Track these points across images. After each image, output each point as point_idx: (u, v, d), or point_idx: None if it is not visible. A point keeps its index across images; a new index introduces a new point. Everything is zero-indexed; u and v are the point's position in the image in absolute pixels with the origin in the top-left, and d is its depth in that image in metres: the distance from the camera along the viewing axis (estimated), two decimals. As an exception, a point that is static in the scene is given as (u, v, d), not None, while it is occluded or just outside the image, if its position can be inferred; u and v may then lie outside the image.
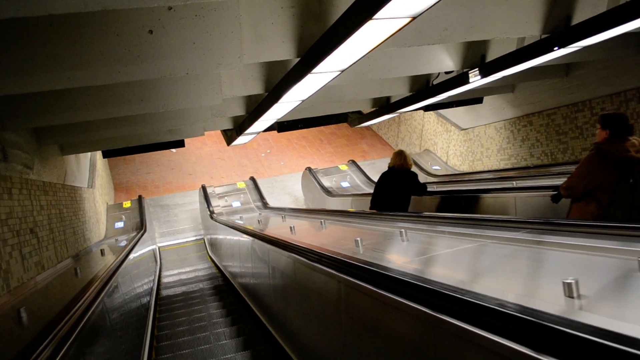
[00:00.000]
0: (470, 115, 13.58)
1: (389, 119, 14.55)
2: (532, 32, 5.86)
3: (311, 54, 4.50)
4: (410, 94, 9.25)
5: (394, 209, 6.70)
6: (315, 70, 4.61)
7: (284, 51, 4.82)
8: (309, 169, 14.44)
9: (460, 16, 5.42)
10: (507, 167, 11.88)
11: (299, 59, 4.92)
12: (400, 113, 10.80)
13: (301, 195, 15.57)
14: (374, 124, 14.37)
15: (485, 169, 12.92)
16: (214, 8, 4.22)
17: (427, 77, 8.91)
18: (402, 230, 4.02)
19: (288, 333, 4.69)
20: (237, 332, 5.83)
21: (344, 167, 14.77)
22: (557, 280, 1.87)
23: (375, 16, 3.23)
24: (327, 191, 13.00)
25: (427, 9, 3.32)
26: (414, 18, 3.43)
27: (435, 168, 14.79)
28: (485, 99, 11.96)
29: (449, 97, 9.36)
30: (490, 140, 12.92)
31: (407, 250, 3.60)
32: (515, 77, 8.60)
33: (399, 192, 6.91)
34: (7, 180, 5.02)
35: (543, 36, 6.08)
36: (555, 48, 5.79)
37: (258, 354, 5.00)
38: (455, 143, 14.77)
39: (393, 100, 10.16)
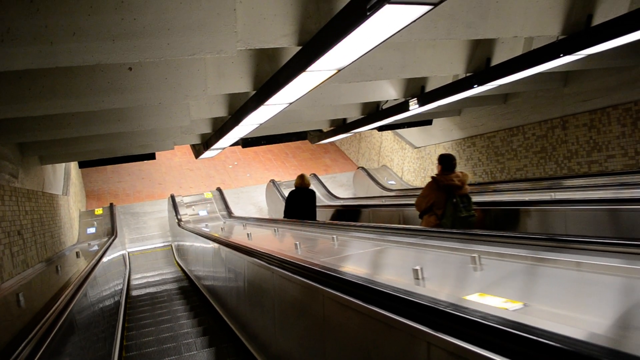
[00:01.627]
0: (423, 135, 14.68)
1: (350, 135, 15.57)
2: (457, 71, 6.89)
3: (263, 89, 5.44)
4: (363, 116, 10.25)
5: (302, 218, 8.76)
6: (267, 102, 5.54)
7: (243, 85, 5.75)
8: (273, 181, 15.34)
9: (394, 58, 6.42)
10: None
11: (255, 91, 5.85)
12: (355, 132, 11.78)
13: (265, 205, 16.43)
14: (336, 140, 15.38)
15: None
16: (184, 51, 5.12)
17: (377, 103, 9.90)
18: (335, 236, 5.00)
19: (237, 318, 5.60)
20: (198, 323, 6.70)
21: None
22: (411, 268, 2.80)
23: (308, 69, 4.19)
24: (289, 202, 13.89)
25: (351, 64, 4.29)
26: (339, 70, 4.40)
27: (391, 183, 15.83)
28: (436, 120, 13.06)
29: (400, 119, 10.35)
30: (439, 158, 14.04)
31: (331, 251, 4.53)
32: (460, 102, 9.66)
33: (303, 205, 9.19)
34: (0, 188, 5.82)
35: (468, 74, 7.13)
36: (475, 85, 6.84)
37: (211, 333, 5.95)
38: (409, 160, 15.86)
39: (349, 121, 11.15)
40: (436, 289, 2.64)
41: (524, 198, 7.25)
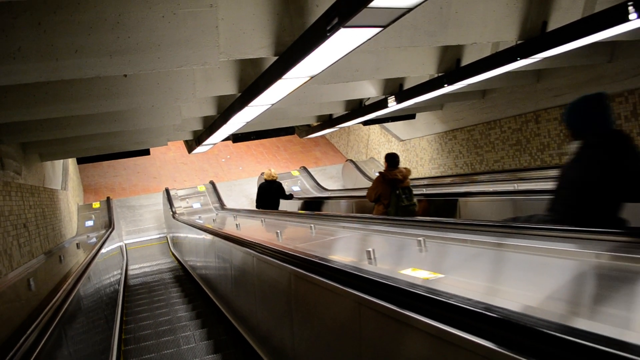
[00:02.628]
0: (408, 128, 15.23)
1: (339, 129, 16.11)
2: (429, 72, 7.42)
3: (247, 93, 5.97)
4: (347, 112, 10.79)
5: (271, 208, 10.55)
6: (251, 104, 6.06)
7: (228, 88, 6.28)
8: (263, 174, 15.87)
9: (368, 60, 6.93)
10: (436, 175, 13.59)
11: (240, 94, 6.37)
12: (340, 127, 12.32)
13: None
14: (326, 133, 15.91)
15: (420, 176, 14.59)
16: (174, 59, 5.63)
17: (360, 100, 10.42)
18: (312, 225, 5.54)
19: (225, 300, 6.17)
20: (192, 307, 7.27)
21: (295, 173, 16.24)
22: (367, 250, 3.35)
23: (284, 77, 4.72)
24: (279, 194, 14.45)
25: (321, 72, 4.82)
26: (312, 77, 4.93)
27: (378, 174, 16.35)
28: (420, 114, 13.60)
29: (384, 114, 10.85)
30: (423, 151, 14.62)
31: (307, 238, 5.07)
32: (442, 97, 10.21)
33: (273, 196, 10.99)
34: (8, 184, 6.34)
35: (439, 74, 7.66)
36: (445, 85, 7.36)
37: (200, 312, 6.53)
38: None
39: (335, 116, 11.68)
40: (382, 266, 3.19)
41: (487, 189, 7.87)
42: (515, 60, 6.19)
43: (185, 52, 4.27)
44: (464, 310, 1.76)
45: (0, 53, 3.77)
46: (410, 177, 14.22)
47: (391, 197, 6.89)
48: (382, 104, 9.09)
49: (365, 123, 12.72)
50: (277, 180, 11.37)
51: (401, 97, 8.57)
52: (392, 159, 7.29)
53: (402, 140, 15.91)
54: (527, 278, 2.63)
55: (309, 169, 16.91)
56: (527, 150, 10.79)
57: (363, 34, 3.60)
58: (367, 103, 10.25)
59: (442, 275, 2.64)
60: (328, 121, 11.80)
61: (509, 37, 5.91)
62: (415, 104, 9.62)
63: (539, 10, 5.89)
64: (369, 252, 3.30)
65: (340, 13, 3.28)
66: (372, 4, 2.99)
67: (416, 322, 1.97)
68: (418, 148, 14.97)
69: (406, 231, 4.07)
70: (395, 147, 16.34)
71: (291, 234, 5.62)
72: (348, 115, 10.76)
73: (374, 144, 17.80)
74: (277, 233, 5.18)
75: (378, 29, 3.54)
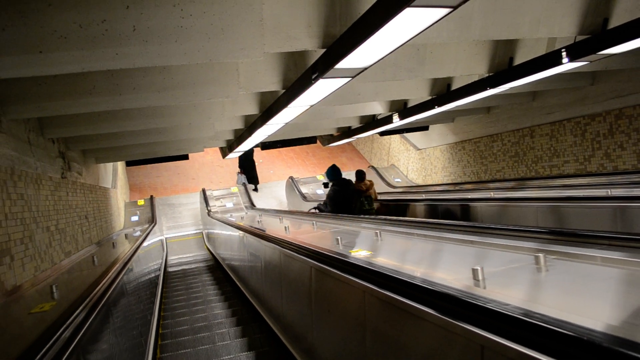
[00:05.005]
0: (424, 138, 16.48)
1: (363, 137, 17.41)
2: (422, 95, 8.72)
3: (265, 114, 7.41)
4: (361, 125, 12.17)
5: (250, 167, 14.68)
6: (268, 122, 7.49)
7: (251, 110, 7.72)
8: (291, 178, 17.29)
9: (368, 86, 8.27)
10: (446, 182, 14.84)
11: (260, 114, 7.82)
12: (358, 137, 13.68)
13: (285, 199, 18.44)
14: (351, 141, 17.23)
15: (432, 183, 15.84)
16: (207, 87, 7.10)
17: (373, 115, 11.76)
18: (314, 222, 6.94)
19: (245, 281, 7.61)
20: (220, 290, 8.75)
21: (320, 177, 17.61)
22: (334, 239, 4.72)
23: (289, 105, 6.13)
24: (303, 196, 15.84)
25: (319, 102, 6.21)
26: (311, 106, 6.34)
27: (397, 180, 17.64)
28: (434, 126, 14.83)
29: (398, 125, 12.05)
30: (437, 160, 15.85)
31: (307, 231, 6.46)
32: (453, 111, 11.48)
33: (249, 158, 15.42)
34: (74, 183, 7.93)
35: (432, 97, 8.94)
36: (436, 106, 8.66)
37: (225, 291, 7.97)
38: (413, 160, 17.66)
39: (353, 127, 13.07)
40: (342, 248, 4.57)
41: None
42: (485, 89, 7.46)
43: (213, 88, 5.71)
44: (357, 266, 3.14)
45: (81, 90, 5.27)
46: (428, 183, 15.48)
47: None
48: (389, 119, 10.43)
49: (382, 134, 14.03)
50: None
51: (404, 114, 9.89)
52: (359, 175, 9.36)
53: (419, 149, 17.16)
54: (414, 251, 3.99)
55: (333, 174, 18.25)
56: (523, 161, 11.94)
57: (338, 82, 4.99)
58: (379, 118, 11.58)
59: (371, 254, 3.98)
60: (347, 132, 13.19)
61: (479, 71, 7.17)
62: (427, 117, 10.88)
63: (505, 49, 7.14)
64: (336, 239, 4.68)
65: (319, 70, 4.68)
66: (336, 66, 4.37)
67: (336, 275, 3.36)
68: (432, 157, 16.21)
69: (370, 226, 5.44)
70: (412, 155, 17.60)
71: (298, 229, 7.03)
72: (363, 128, 12.13)
73: (395, 151, 19.09)
74: (285, 228, 6.59)
75: (348, 79, 4.92)
